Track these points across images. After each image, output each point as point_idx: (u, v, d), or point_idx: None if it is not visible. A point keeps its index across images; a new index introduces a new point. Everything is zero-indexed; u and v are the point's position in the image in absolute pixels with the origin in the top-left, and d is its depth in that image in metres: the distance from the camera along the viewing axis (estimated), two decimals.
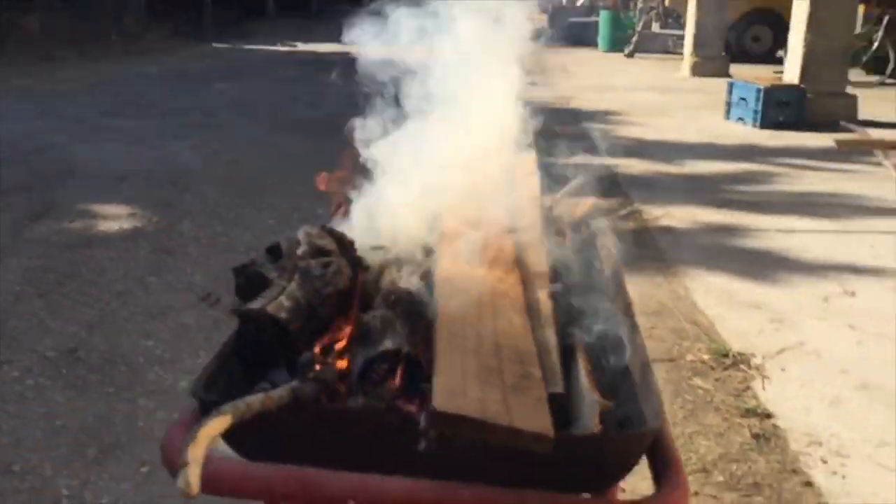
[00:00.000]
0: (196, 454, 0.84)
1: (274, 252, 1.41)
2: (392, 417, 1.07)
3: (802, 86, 9.00)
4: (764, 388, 3.36)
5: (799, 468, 2.81)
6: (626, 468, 1.11)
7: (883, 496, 2.68)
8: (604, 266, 1.67)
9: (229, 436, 1.17)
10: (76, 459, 2.86)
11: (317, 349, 1.28)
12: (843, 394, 3.31)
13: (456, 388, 0.97)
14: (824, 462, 2.85)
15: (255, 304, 1.26)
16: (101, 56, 14.06)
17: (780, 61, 13.68)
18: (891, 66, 12.24)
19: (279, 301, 1.27)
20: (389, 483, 1.02)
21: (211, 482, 1.07)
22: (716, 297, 4.31)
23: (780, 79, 9.61)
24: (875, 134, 5.68)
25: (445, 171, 1.70)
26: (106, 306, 4.09)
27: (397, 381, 1.11)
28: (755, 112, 8.94)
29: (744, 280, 4.55)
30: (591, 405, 1.04)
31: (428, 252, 1.55)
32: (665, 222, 5.69)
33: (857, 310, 4.17)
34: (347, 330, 1.28)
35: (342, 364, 1.20)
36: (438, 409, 0.93)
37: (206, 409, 1.17)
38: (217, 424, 0.93)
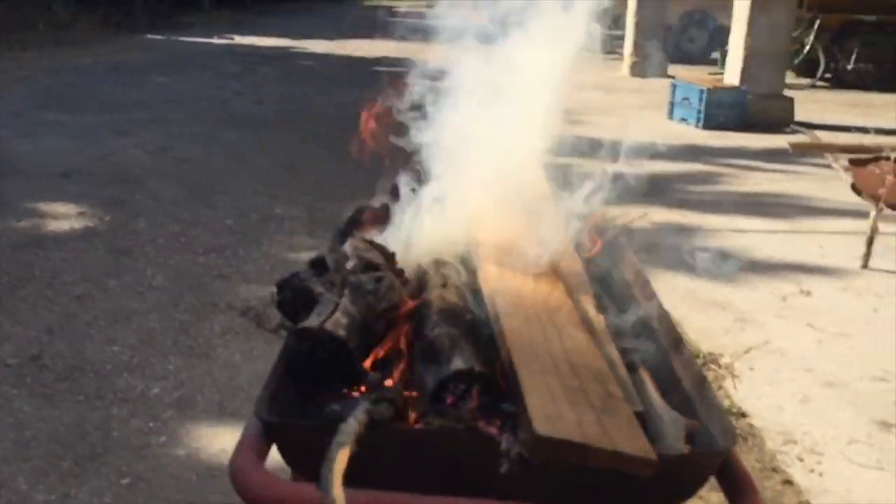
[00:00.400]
0: (339, 493, 0.81)
1: (318, 265, 1.38)
2: (473, 439, 1.06)
3: (745, 88, 9.25)
4: (735, 387, 3.44)
5: (778, 466, 2.89)
6: (695, 488, 1.12)
7: (858, 493, 2.78)
8: (631, 277, 1.69)
9: (297, 462, 1.15)
10: (51, 472, 2.76)
11: (373, 367, 1.26)
12: (811, 392, 3.42)
13: (551, 412, 0.97)
14: (801, 460, 2.94)
15: (312, 322, 1.23)
16: (30, 46, 13.53)
17: (714, 62, 14.04)
18: (821, 70, 12.66)
19: (336, 318, 1.24)
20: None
21: None
22: (680, 297, 4.39)
23: (719, 80, 9.85)
24: (825, 137, 5.89)
25: (475, 183, 1.70)
26: (65, 310, 3.95)
27: (474, 401, 1.09)
28: (699, 112, 9.15)
29: (705, 280, 4.65)
30: (675, 424, 1.05)
31: (463, 263, 1.54)
32: (623, 223, 5.78)
33: (813, 309, 4.31)
34: (404, 348, 1.26)
35: (405, 383, 1.18)
36: (542, 435, 0.92)
37: (270, 431, 1.14)
38: (342, 458, 0.90)
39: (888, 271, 4.97)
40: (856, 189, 5.00)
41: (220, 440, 2.98)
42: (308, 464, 1.14)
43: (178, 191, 5.95)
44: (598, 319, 1.33)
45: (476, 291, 1.41)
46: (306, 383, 1.25)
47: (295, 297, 1.34)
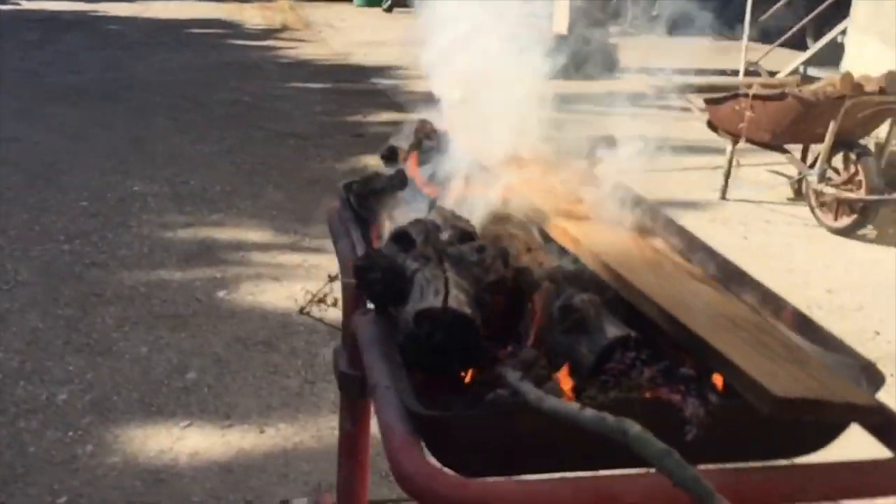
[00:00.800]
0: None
1: (400, 240, 1.25)
2: (656, 408, 1.00)
3: (569, 35, 9.55)
4: None
5: None
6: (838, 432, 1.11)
7: None
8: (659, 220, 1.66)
9: (440, 452, 1.05)
10: None
11: (496, 344, 1.17)
12: None
13: (767, 371, 0.93)
14: None
15: (432, 302, 1.11)
16: None
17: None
18: (629, 16, 13.30)
19: (455, 294, 1.13)
20: None
21: None
22: None
23: (549, 30, 10.11)
24: (678, 80, 6.20)
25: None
26: None
27: (648, 369, 1.03)
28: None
29: None
30: (848, 368, 1.04)
31: (529, 221, 1.45)
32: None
33: None
34: (532, 320, 1.17)
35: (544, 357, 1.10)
36: (781, 396, 0.88)
37: (428, 425, 1.03)
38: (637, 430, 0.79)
39: (745, 200, 5.35)
40: (712, 126, 5.31)
41: (155, 441, 2.74)
42: (470, 459, 1.04)
43: (13, 175, 5.33)
44: (697, 269, 1.31)
45: (563, 251, 1.34)
46: (423, 369, 1.14)
47: (385, 278, 1.20)
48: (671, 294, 1.12)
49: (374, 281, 1.22)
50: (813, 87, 4.73)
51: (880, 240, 4.79)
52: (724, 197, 5.38)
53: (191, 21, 13.13)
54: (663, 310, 1.07)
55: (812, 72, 7.30)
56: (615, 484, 0.97)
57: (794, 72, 7.27)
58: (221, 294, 3.83)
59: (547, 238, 1.41)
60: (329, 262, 4.27)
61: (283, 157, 6.01)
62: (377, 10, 16.25)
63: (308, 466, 2.65)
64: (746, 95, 4.75)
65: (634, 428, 0.76)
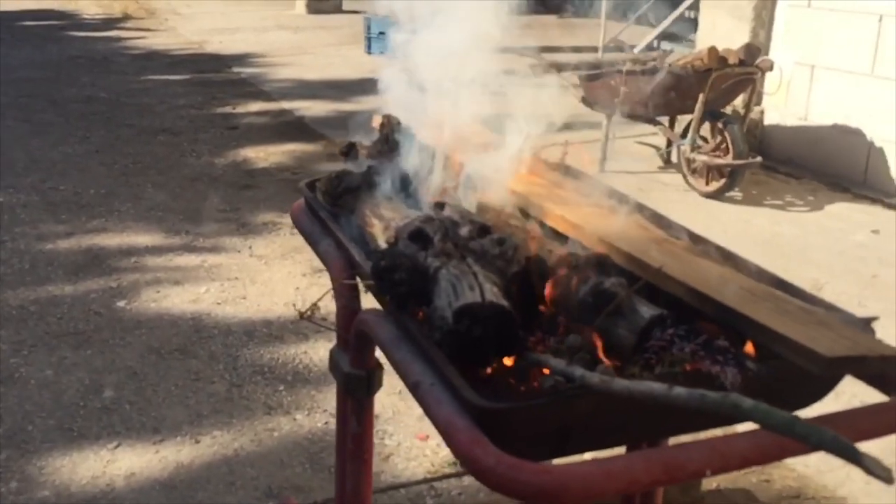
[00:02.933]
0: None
1: (418, 238, 1.25)
2: (698, 380, 1.07)
3: None
4: None
5: None
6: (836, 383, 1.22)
7: None
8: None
9: (502, 442, 1.08)
10: None
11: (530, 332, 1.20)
12: None
13: (808, 335, 1.01)
14: None
15: (470, 297, 1.13)
16: None
17: None
18: None
19: (489, 288, 1.15)
20: (735, 442, 1.03)
21: (567, 490, 0.99)
22: None
23: None
24: (547, 57, 6.38)
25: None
26: None
27: (688, 345, 1.09)
28: None
29: None
30: (855, 323, 1.14)
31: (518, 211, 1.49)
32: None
33: None
34: (555, 306, 1.21)
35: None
36: (831, 357, 0.96)
37: (493, 417, 1.05)
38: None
39: (622, 171, 5.59)
40: (587, 102, 5.51)
41: (84, 467, 2.60)
42: (531, 444, 1.08)
43: None
44: (683, 244, 1.38)
45: (561, 235, 1.38)
46: (462, 363, 1.16)
47: (410, 277, 1.21)
48: (689, 272, 1.19)
49: (400, 281, 1.22)
50: (681, 61, 5.01)
51: (746, 200, 5.15)
52: (602, 169, 5.61)
53: (21, 13, 12.27)
54: (691, 287, 1.14)
55: (665, 46, 7.70)
56: (679, 454, 1.03)
57: (649, 46, 7.64)
58: (121, 304, 3.65)
59: (541, 225, 1.46)
60: (231, 261, 4.17)
61: (157, 155, 5.76)
62: None
63: (253, 471, 2.59)
64: (621, 72, 4.97)
65: (746, 401, 0.82)
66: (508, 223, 1.42)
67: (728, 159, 4.94)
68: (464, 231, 1.25)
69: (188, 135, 6.28)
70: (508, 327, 1.15)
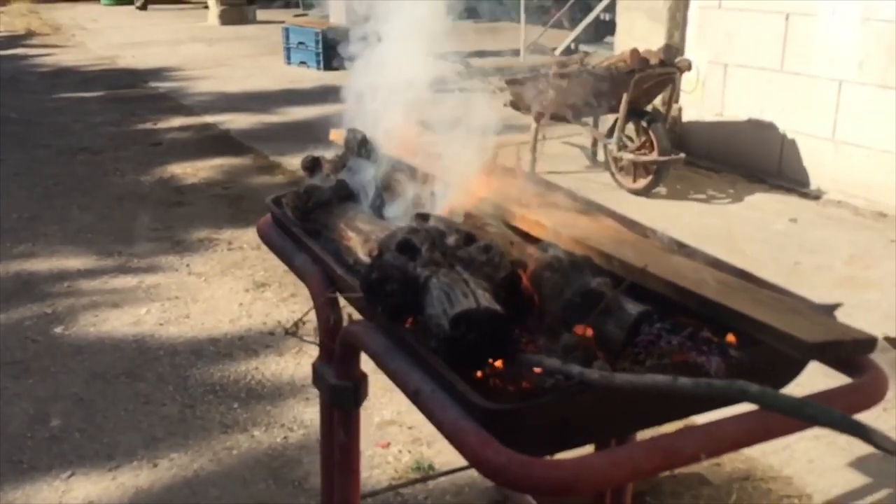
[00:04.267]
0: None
1: (406, 249, 1.28)
2: (685, 369, 1.13)
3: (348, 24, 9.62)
4: None
5: None
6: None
7: None
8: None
9: (508, 440, 1.12)
10: None
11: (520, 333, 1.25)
12: None
13: (788, 323, 1.08)
14: None
15: (465, 304, 1.17)
16: None
17: (297, 4, 14.31)
18: None
19: (482, 295, 1.19)
20: (724, 426, 1.10)
21: (579, 481, 1.04)
22: None
23: (326, 21, 10.11)
24: (479, 63, 6.47)
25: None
26: None
27: (675, 338, 1.16)
28: (317, 55, 9.33)
29: None
30: (819, 309, 1.23)
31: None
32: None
33: None
34: (540, 308, 1.26)
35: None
36: (813, 342, 1.04)
37: (499, 418, 1.10)
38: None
39: (552, 172, 5.71)
40: (514, 105, 5.61)
41: (39, 499, 2.53)
42: (534, 441, 1.12)
43: None
44: (653, 243, 1.45)
45: (535, 240, 1.44)
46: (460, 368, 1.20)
47: (402, 289, 1.24)
48: (667, 269, 1.25)
49: (392, 292, 1.25)
50: (605, 63, 5.16)
51: (672, 195, 5.34)
52: (533, 171, 5.72)
53: None
54: (675, 284, 1.20)
55: (583, 48, 7.89)
56: (675, 441, 1.09)
57: (568, 49, 7.83)
58: (59, 330, 3.55)
59: (513, 229, 1.51)
60: (169, 280, 4.09)
61: (80, 176, 5.61)
62: (129, 9, 15.35)
63: (216, 491, 2.57)
64: (548, 75, 5.08)
65: (752, 386, 0.88)
66: (486, 230, 1.47)
67: (654, 156, 5.11)
68: (450, 240, 1.29)
69: (109, 153, 6.13)
70: (503, 331, 1.20)
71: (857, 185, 5.09)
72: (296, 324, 1.45)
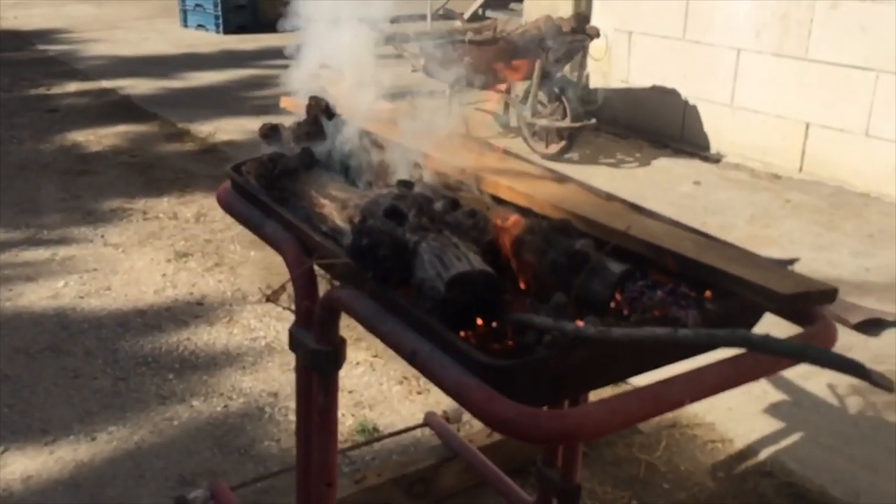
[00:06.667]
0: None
1: (393, 214, 1.32)
2: (664, 323, 1.21)
3: None
4: None
5: None
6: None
7: None
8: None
9: (509, 395, 1.19)
10: None
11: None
12: None
13: (761, 277, 1.18)
14: None
15: (459, 267, 1.22)
16: None
17: None
18: None
19: (473, 258, 1.24)
20: (704, 374, 1.19)
21: (582, 430, 1.11)
22: None
23: None
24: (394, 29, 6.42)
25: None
26: None
27: (657, 294, 1.24)
28: (216, 18, 9.05)
29: None
30: (777, 263, 1.34)
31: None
32: (222, 137, 5.66)
33: None
34: (524, 269, 1.32)
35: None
36: (787, 294, 1.14)
37: (500, 373, 1.15)
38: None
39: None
40: (427, 71, 5.63)
41: None
42: (534, 394, 1.19)
43: None
44: (619, 205, 1.54)
45: (509, 204, 1.49)
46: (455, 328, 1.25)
47: (393, 254, 1.27)
48: (643, 230, 1.34)
49: (384, 258, 1.29)
50: (519, 30, 5.23)
51: (583, 160, 5.50)
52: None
53: None
54: (650, 244, 1.29)
55: (490, 14, 7.96)
56: (662, 389, 1.18)
57: (475, 14, 7.87)
58: None
59: (490, 195, 1.56)
60: (85, 252, 3.96)
61: None
62: None
63: (160, 462, 2.55)
64: (462, 41, 5.12)
65: (755, 335, 0.96)
66: (462, 195, 1.51)
67: (567, 122, 5.25)
68: (438, 206, 1.34)
69: (3, 120, 5.82)
70: (495, 292, 1.26)
71: (754, 149, 5.38)
72: (276, 291, 1.46)
